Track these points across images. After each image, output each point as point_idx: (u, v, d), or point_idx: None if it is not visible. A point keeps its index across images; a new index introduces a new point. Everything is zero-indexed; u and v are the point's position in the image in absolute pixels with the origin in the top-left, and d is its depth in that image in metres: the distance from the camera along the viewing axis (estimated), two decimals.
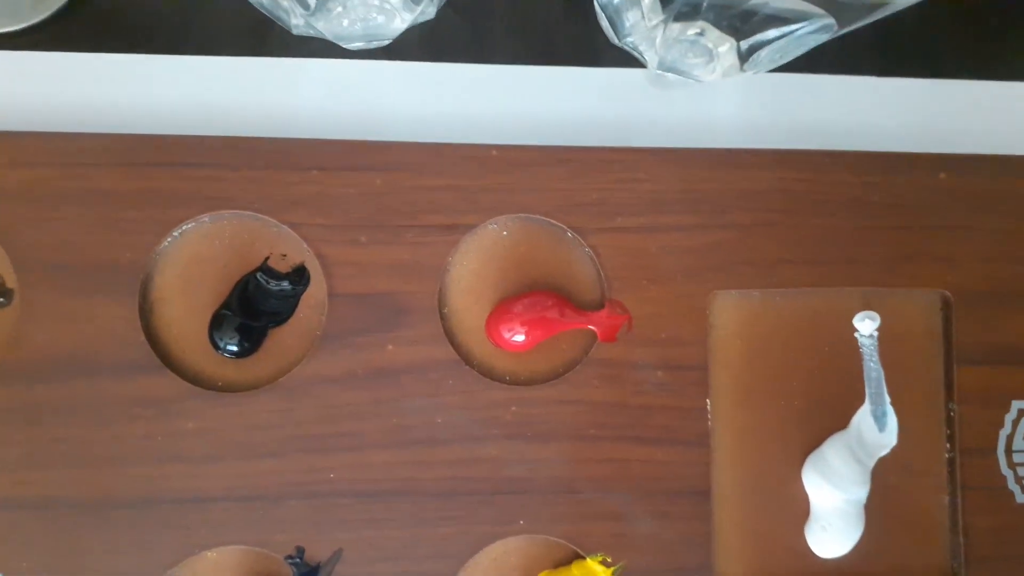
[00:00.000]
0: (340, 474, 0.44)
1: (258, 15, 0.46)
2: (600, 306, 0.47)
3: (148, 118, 0.46)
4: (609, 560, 0.45)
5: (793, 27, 0.42)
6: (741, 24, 0.44)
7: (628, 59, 0.49)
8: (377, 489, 0.45)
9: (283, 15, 0.45)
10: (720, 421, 0.48)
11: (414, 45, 0.49)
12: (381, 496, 0.44)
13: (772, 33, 0.44)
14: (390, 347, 0.45)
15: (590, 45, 0.50)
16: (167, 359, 0.44)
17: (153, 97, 0.47)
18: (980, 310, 0.49)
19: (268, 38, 0.48)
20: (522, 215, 0.47)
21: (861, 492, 0.46)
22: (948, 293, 0.49)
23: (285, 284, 0.45)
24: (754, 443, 0.48)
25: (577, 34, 0.50)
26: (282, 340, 0.45)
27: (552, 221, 0.47)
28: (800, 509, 0.48)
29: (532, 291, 0.47)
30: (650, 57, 0.48)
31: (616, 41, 0.49)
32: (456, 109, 0.48)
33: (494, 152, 0.46)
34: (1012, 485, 0.49)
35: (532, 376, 0.47)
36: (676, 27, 0.44)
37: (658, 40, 0.45)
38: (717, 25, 0.44)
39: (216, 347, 0.44)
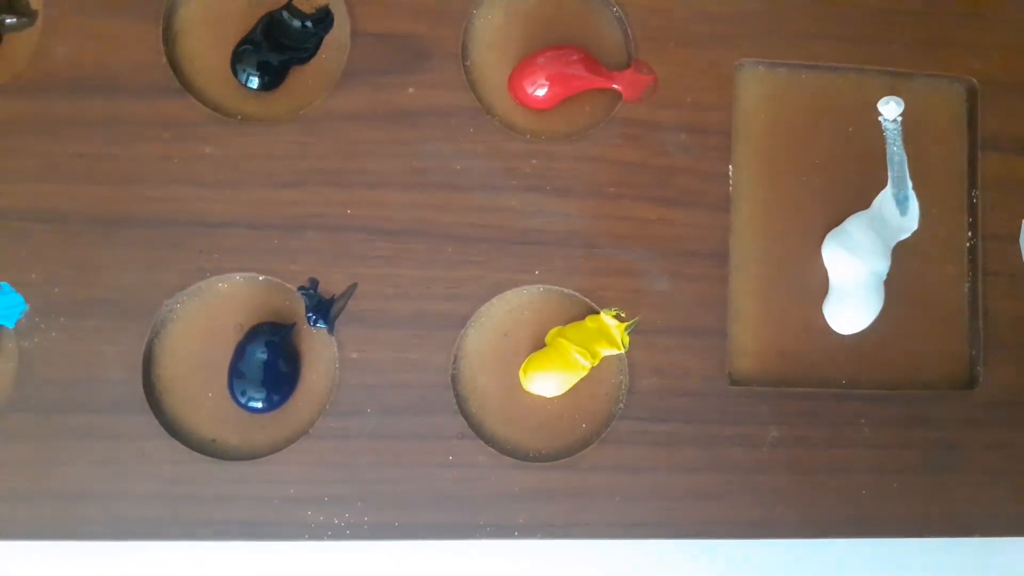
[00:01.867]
0: (357, 210, 0.44)
1: None
2: (626, 67, 0.46)
3: None
4: (623, 315, 0.44)
5: None
6: None
7: None
8: (394, 228, 0.44)
9: None
10: (741, 189, 0.47)
11: None
12: (398, 235, 0.44)
13: None
14: (411, 90, 0.45)
15: None
16: (189, 86, 0.44)
17: None
18: (1006, 99, 0.49)
19: None
20: None
21: (882, 265, 0.46)
22: (974, 80, 0.49)
23: (309, 24, 0.44)
24: (774, 215, 0.48)
25: None
26: (304, 79, 0.45)
27: None
28: (818, 287, 0.47)
29: (558, 45, 0.46)
30: None
31: None
32: None
33: None
34: None
35: (552, 135, 0.46)
36: None
37: None
38: None
39: (238, 78, 0.44)
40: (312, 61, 0.45)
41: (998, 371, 0.47)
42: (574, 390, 0.44)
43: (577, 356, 0.43)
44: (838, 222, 0.47)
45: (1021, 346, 0.48)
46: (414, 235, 0.44)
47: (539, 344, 0.44)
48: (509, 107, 0.46)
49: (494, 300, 0.44)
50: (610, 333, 0.44)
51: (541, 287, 0.45)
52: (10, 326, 0.41)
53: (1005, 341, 0.48)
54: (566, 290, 0.45)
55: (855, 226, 0.46)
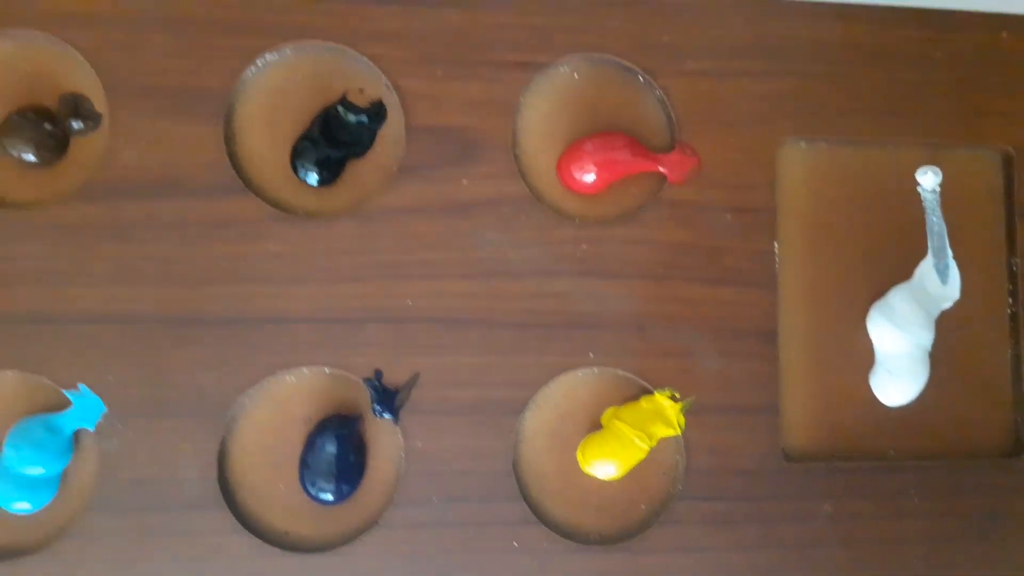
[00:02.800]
0: (417, 301, 0.45)
1: None
2: (670, 149, 0.47)
3: None
4: (678, 395, 0.46)
5: None
6: None
7: None
8: (452, 317, 0.45)
9: None
10: (787, 265, 0.48)
11: None
12: (457, 324, 0.45)
13: None
14: (465, 181, 0.46)
15: None
16: (250, 183, 0.45)
17: None
18: None
19: None
20: (594, 55, 0.48)
21: (926, 337, 0.47)
22: (1010, 149, 0.50)
23: (364, 118, 0.46)
24: (820, 289, 0.49)
25: None
26: (360, 172, 0.46)
27: (624, 63, 0.47)
28: (865, 358, 0.48)
29: (603, 131, 0.47)
30: None
31: None
32: None
33: None
34: None
35: (601, 219, 0.47)
36: None
37: None
38: None
39: (298, 174, 0.45)
40: (368, 155, 0.46)
41: None
42: (633, 470, 0.44)
43: (635, 439, 0.44)
44: (882, 292, 0.48)
45: None
46: (472, 324, 0.45)
47: (596, 425, 0.45)
48: (558, 192, 0.47)
49: (550, 384, 0.45)
50: (666, 414, 0.45)
51: (596, 369, 0.46)
52: (91, 428, 0.42)
53: None
54: (620, 371, 0.46)
55: (898, 298, 0.48)
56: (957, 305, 0.49)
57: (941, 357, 0.48)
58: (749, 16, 0.48)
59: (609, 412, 0.46)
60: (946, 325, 0.48)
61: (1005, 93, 0.50)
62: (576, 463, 0.45)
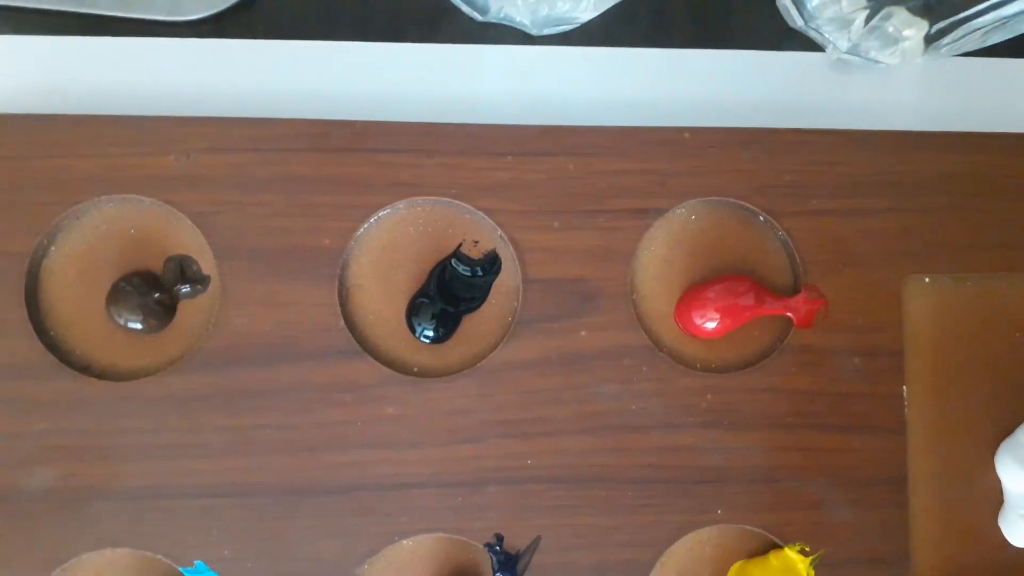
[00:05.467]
0: (537, 460, 0.44)
1: (439, 2, 0.46)
2: (793, 291, 0.46)
3: (337, 102, 0.46)
4: (808, 550, 0.44)
5: (991, 7, 0.41)
6: (937, 4, 0.43)
7: (807, 43, 0.49)
8: (573, 475, 0.44)
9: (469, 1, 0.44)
10: (915, 408, 0.46)
11: (596, 29, 0.48)
12: (577, 483, 0.44)
13: (967, 13, 0.43)
14: (583, 333, 0.44)
15: (770, 28, 0.49)
16: (365, 344, 0.44)
17: (341, 83, 0.46)
18: None
19: (452, 24, 0.47)
20: (713, 199, 0.46)
21: None
22: None
23: (478, 270, 0.44)
24: (949, 430, 0.47)
25: (757, 17, 0.49)
26: (475, 326, 0.45)
27: (744, 204, 0.46)
28: (996, 498, 0.46)
29: (725, 276, 0.46)
30: (839, 41, 0.47)
31: (797, 24, 0.48)
32: (639, 94, 0.48)
33: (686, 135, 0.46)
34: None
35: (723, 364, 0.46)
36: (869, 12, 0.44)
37: (855, 25, 0.45)
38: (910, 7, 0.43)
39: (414, 332, 0.43)
40: (484, 309, 0.44)
41: None
42: None
43: None
44: (1011, 429, 0.47)
45: None
46: (593, 482, 0.44)
47: None
48: (677, 337, 0.46)
49: (678, 544, 0.44)
50: (796, 569, 0.44)
51: (723, 525, 0.44)
52: None
53: None
54: (748, 527, 0.44)
55: None
56: None
57: None
58: (871, 151, 0.46)
59: (736, 567, 0.44)
60: None
61: None
62: None
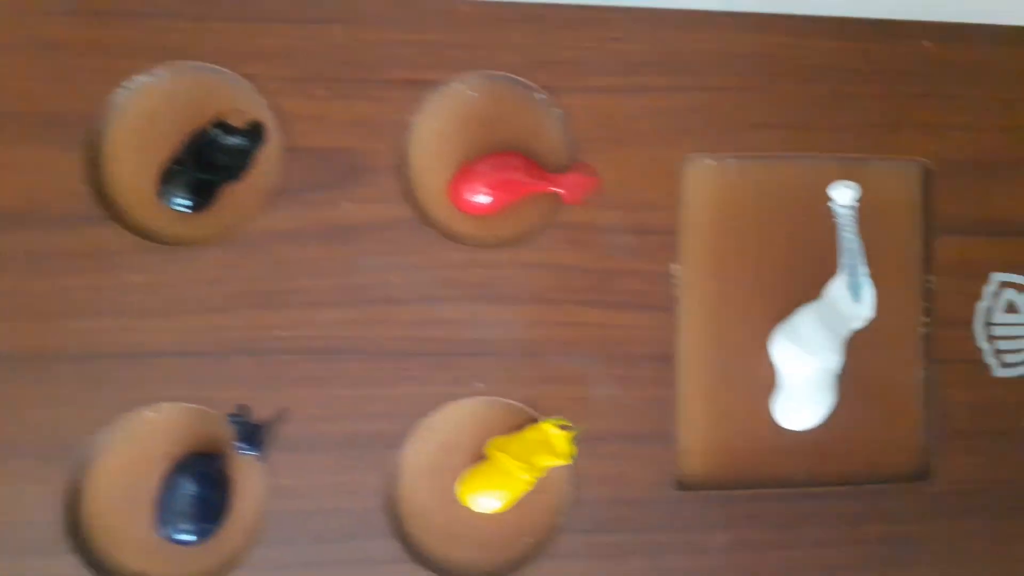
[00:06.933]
0: (290, 331, 0.43)
1: None
2: (568, 169, 0.45)
3: None
4: (569, 424, 0.44)
5: None
6: None
7: None
8: (327, 347, 0.44)
9: None
10: (688, 287, 0.46)
11: None
12: (331, 354, 0.44)
13: None
14: (348, 204, 0.44)
15: None
16: (115, 212, 0.43)
17: None
18: (961, 181, 0.48)
19: None
20: (490, 73, 0.45)
21: (833, 360, 0.45)
22: (929, 163, 0.48)
23: (241, 139, 0.43)
24: (722, 312, 0.47)
25: None
26: (236, 196, 0.44)
27: (521, 80, 0.45)
28: (767, 383, 0.46)
29: (498, 152, 0.45)
30: None
31: None
32: None
33: (463, 7, 0.44)
34: (989, 359, 0.47)
35: (495, 241, 0.45)
36: None
37: None
38: None
39: (167, 200, 0.43)
40: (247, 179, 0.44)
41: (952, 461, 0.47)
42: (519, 502, 0.43)
43: (517, 471, 0.42)
44: (788, 314, 0.46)
45: (975, 435, 0.47)
46: (349, 354, 0.44)
47: (481, 457, 0.44)
48: (450, 213, 0.45)
49: (434, 415, 0.44)
50: (554, 443, 0.44)
51: (482, 398, 0.44)
52: None
53: (960, 430, 0.47)
54: (509, 400, 0.44)
55: (804, 319, 0.46)
56: (868, 324, 0.47)
57: (850, 378, 0.46)
58: (654, 29, 0.46)
59: (491, 443, 0.44)
60: (857, 344, 0.46)
61: (926, 104, 0.48)
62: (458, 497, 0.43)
